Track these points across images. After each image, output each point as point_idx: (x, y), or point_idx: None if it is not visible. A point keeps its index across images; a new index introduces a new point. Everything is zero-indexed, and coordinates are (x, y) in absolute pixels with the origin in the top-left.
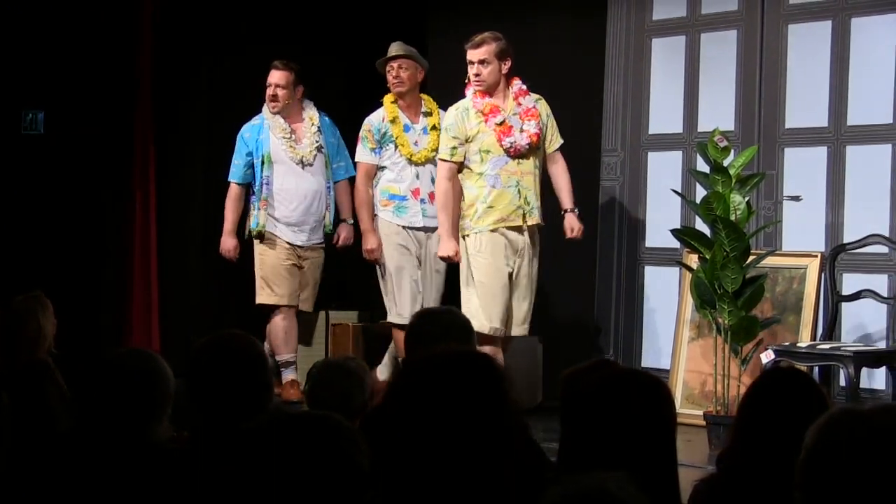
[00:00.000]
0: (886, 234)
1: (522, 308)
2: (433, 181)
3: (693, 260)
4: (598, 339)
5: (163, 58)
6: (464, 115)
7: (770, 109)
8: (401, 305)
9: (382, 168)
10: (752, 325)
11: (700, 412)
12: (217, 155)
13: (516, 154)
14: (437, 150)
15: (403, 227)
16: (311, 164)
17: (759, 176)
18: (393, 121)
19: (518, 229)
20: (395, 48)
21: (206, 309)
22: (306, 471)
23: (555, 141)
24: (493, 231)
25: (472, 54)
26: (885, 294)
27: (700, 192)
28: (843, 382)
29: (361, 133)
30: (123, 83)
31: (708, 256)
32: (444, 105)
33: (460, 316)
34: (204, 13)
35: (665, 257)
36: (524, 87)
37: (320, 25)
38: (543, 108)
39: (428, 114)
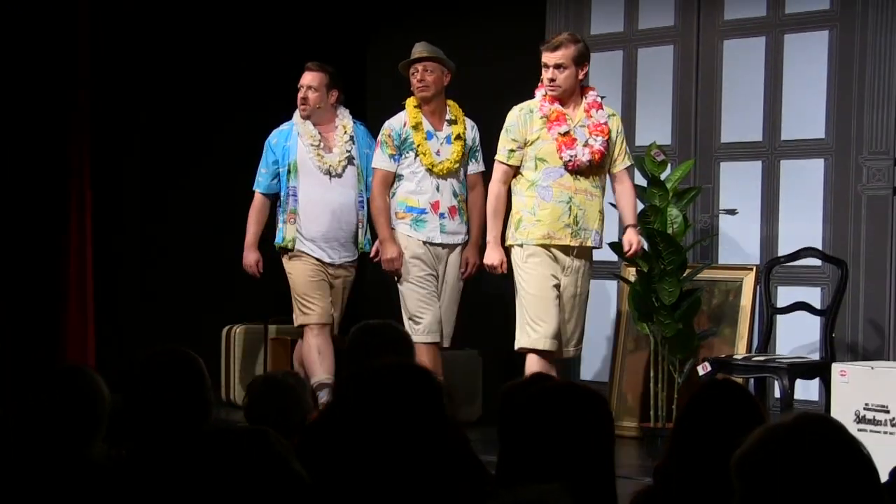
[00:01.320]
0: (819, 247)
1: (567, 329)
2: (454, 195)
3: (631, 273)
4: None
5: (101, 63)
6: (527, 116)
7: (706, 124)
8: (427, 321)
9: (400, 177)
10: (689, 338)
11: (638, 424)
12: (156, 166)
13: (574, 169)
14: (460, 161)
15: (422, 242)
16: (339, 176)
17: (695, 190)
18: (415, 127)
19: (565, 249)
20: (420, 49)
21: (145, 324)
22: (240, 486)
23: (623, 160)
24: (538, 246)
25: (548, 57)
26: (818, 306)
27: (637, 206)
28: (777, 394)
29: (381, 137)
30: (60, 89)
31: (645, 269)
32: (382, 121)
33: (400, 329)
34: (144, 20)
35: (603, 270)
36: (598, 98)
37: (259, 40)
38: (615, 124)
39: (453, 122)
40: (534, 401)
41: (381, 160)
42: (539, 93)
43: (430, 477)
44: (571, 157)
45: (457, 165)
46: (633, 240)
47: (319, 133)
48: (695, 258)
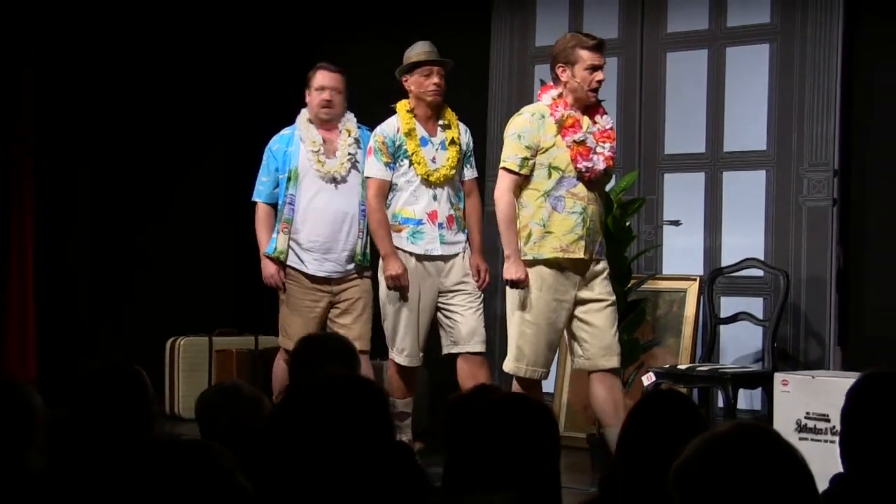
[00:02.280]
0: (761, 258)
1: (607, 338)
2: (451, 203)
3: None
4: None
5: (46, 70)
6: (540, 122)
7: (650, 135)
8: (400, 342)
9: (393, 187)
10: (634, 348)
11: (583, 435)
12: (102, 179)
13: (589, 179)
14: (456, 168)
15: (417, 256)
16: (343, 182)
17: (639, 201)
18: (409, 134)
19: (578, 263)
20: (429, 50)
21: (88, 337)
22: (182, 500)
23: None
24: (549, 261)
25: (599, 58)
26: (760, 316)
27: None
28: (721, 404)
29: (373, 145)
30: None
31: None
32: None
33: (344, 341)
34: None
35: None
36: (601, 105)
37: (207, 57)
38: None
39: (447, 126)
40: (479, 412)
41: (375, 168)
42: (547, 96)
43: (374, 489)
44: (589, 167)
45: (453, 172)
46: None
47: (323, 138)
48: (639, 269)
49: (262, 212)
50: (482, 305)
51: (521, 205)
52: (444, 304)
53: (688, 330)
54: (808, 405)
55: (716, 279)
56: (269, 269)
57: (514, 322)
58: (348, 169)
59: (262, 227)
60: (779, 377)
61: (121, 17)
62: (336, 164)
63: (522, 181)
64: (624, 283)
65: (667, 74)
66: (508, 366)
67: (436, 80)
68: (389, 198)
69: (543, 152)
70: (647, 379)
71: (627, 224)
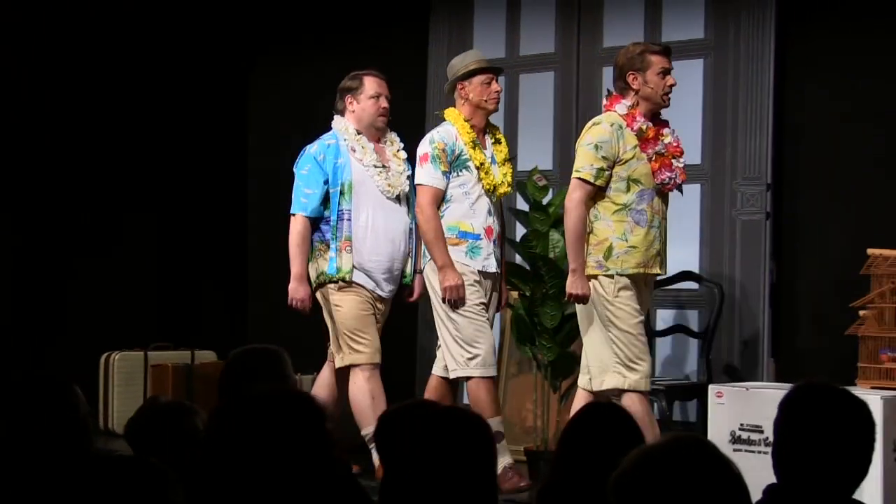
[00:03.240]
0: (696, 270)
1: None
2: (502, 220)
3: (513, 297)
4: (423, 377)
5: None
6: (619, 132)
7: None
8: (481, 351)
9: (448, 198)
10: (571, 361)
11: (521, 447)
12: (28, 190)
13: (668, 192)
14: (512, 184)
15: (477, 272)
16: (399, 199)
17: None
18: (473, 144)
19: (652, 279)
20: (485, 59)
21: (20, 351)
22: None
23: None
24: (632, 277)
25: (669, 62)
26: (695, 329)
27: (520, 231)
28: (656, 415)
29: (432, 152)
30: None
31: (528, 293)
32: (267, 149)
33: (280, 354)
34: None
35: None
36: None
37: (138, 70)
38: None
39: (497, 142)
40: (414, 427)
41: (432, 176)
42: (621, 106)
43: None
44: (671, 179)
45: (511, 190)
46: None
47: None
48: None
49: (303, 226)
50: None
51: (595, 217)
52: None
53: None
54: (742, 417)
55: (652, 292)
56: (305, 290)
57: (604, 339)
58: (408, 185)
59: (304, 242)
60: (713, 389)
61: (38, 39)
62: (398, 179)
63: (595, 192)
64: (561, 296)
65: (603, 88)
66: (627, 381)
67: (497, 87)
68: (443, 209)
69: (622, 164)
70: None
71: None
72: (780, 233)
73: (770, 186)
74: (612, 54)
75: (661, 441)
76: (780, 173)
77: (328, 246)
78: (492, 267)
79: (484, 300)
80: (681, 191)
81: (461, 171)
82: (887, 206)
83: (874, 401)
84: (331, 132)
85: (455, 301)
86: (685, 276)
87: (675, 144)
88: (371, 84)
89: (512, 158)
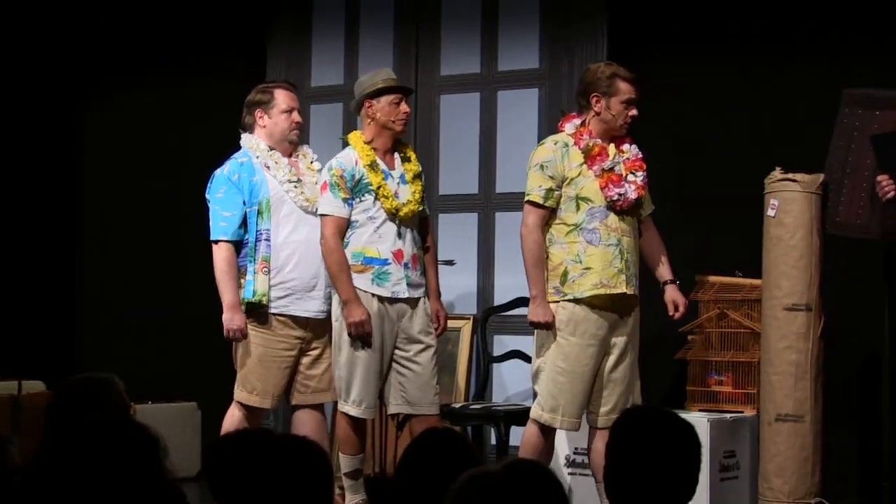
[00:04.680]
0: None
1: (613, 396)
2: (415, 242)
3: None
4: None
5: None
6: (563, 150)
7: (425, 177)
8: (358, 393)
9: (353, 224)
10: None
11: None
12: None
13: (622, 209)
14: (421, 203)
15: (381, 298)
16: (315, 213)
17: None
18: (371, 166)
19: (619, 299)
20: (394, 76)
21: None
22: None
23: (649, 204)
24: (589, 301)
25: (636, 92)
26: (531, 355)
27: None
28: (494, 441)
29: (330, 179)
30: None
31: None
32: (96, 179)
33: (113, 382)
34: None
35: None
36: (627, 134)
37: None
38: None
39: (406, 159)
40: (245, 454)
41: (333, 205)
42: (570, 125)
43: None
44: (621, 195)
45: (420, 207)
46: (678, 299)
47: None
48: None
49: (229, 252)
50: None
51: (549, 241)
52: (403, 355)
53: (462, 368)
54: (576, 441)
55: (489, 318)
56: (240, 319)
57: (547, 369)
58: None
59: (231, 270)
60: None
61: None
62: (315, 192)
63: (549, 215)
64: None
65: (440, 116)
66: (544, 417)
67: (406, 108)
68: (347, 236)
69: (569, 183)
70: None
71: None
72: None
73: None
74: (451, 83)
75: (499, 464)
76: None
77: (248, 270)
78: (403, 293)
79: (385, 335)
80: (635, 205)
81: (364, 195)
82: (715, 232)
83: (701, 423)
84: (241, 150)
85: (359, 337)
86: (521, 301)
87: (633, 159)
88: (283, 98)
89: None
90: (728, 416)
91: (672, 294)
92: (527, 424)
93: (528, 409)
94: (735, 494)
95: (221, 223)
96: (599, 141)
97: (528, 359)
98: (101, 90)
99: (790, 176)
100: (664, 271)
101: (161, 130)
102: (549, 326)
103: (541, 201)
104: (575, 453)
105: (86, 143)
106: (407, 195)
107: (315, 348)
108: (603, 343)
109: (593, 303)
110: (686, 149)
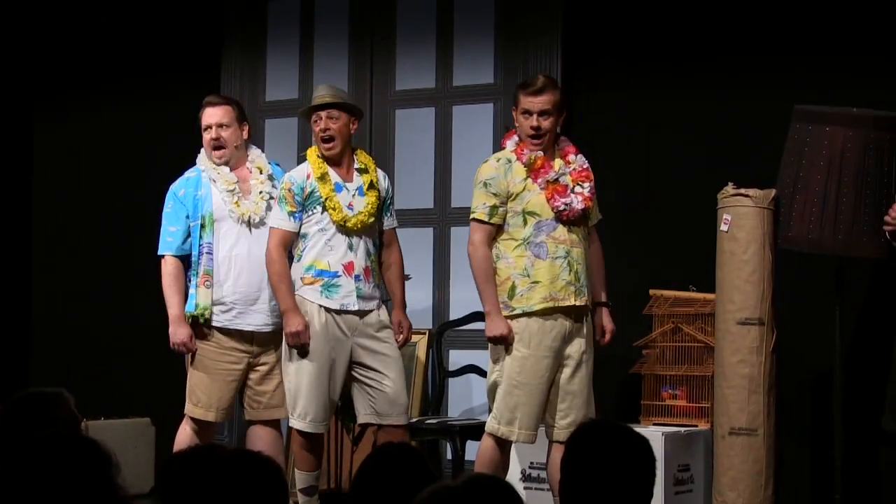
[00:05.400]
0: None
1: (574, 409)
2: (368, 254)
3: None
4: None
5: None
6: (506, 167)
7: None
8: (303, 407)
9: (304, 237)
10: None
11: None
12: None
13: (569, 220)
14: (375, 214)
15: (332, 311)
16: (262, 224)
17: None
18: (322, 178)
19: (570, 311)
20: (322, 93)
21: None
22: None
23: (596, 213)
24: (539, 314)
25: (532, 103)
26: (487, 370)
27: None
28: (449, 455)
29: (279, 193)
30: None
31: None
32: (51, 194)
33: (63, 397)
34: None
35: None
36: (571, 144)
37: None
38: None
39: (363, 170)
40: (199, 470)
41: (278, 218)
42: (511, 142)
43: None
44: (567, 205)
45: (372, 220)
46: (608, 325)
47: (235, 176)
48: None
49: (173, 266)
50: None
51: (497, 256)
52: (362, 367)
53: (417, 383)
54: (532, 456)
55: (444, 332)
56: (183, 332)
57: (503, 383)
58: (264, 210)
59: (176, 283)
60: None
61: None
62: (251, 205)
63: (496, 231)
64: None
65: (395, 131)
66: (501, 430)
67: (321, 125)
68: (301, 248)
69: (514, 198)
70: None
71: None
72: None
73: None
74: (406, 98)
75: (459, 479)
76: None
77: (190, 284)
78: (353, 305)
79: (336, 349)
80: (583, 215)
81: (315, 207)
82: (669, 247)
83: (655, 437)
84: (195, 165)
85: (296, 347)
86: (477, 316)
87: (580, 170)
88: (203, 115)
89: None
90: (682, 429)
91: (602, 318)
92: (482, 438)
93: (483, 424)
94: None
95: (168, 238)
96: (542, 154)
97: (483, 373)
98: (55, 102)
99: (742, 191)
100: (598, 292)
101: (115, 144)
102: (507, 340)
103: (486, 219)
104: (530, 467)
105: (39, 156)
106: (360, 206)
107: (264, 364)
108: (557, 354)
109: (545, 314)
110: (639, 164)
